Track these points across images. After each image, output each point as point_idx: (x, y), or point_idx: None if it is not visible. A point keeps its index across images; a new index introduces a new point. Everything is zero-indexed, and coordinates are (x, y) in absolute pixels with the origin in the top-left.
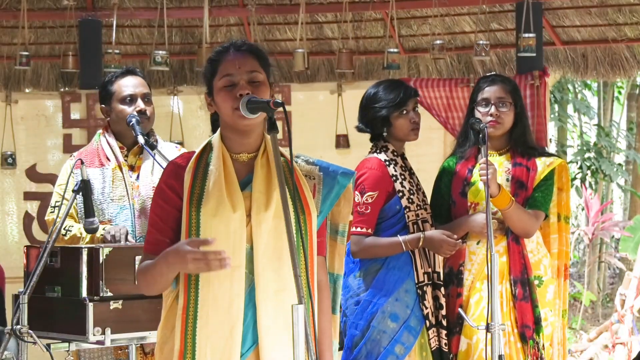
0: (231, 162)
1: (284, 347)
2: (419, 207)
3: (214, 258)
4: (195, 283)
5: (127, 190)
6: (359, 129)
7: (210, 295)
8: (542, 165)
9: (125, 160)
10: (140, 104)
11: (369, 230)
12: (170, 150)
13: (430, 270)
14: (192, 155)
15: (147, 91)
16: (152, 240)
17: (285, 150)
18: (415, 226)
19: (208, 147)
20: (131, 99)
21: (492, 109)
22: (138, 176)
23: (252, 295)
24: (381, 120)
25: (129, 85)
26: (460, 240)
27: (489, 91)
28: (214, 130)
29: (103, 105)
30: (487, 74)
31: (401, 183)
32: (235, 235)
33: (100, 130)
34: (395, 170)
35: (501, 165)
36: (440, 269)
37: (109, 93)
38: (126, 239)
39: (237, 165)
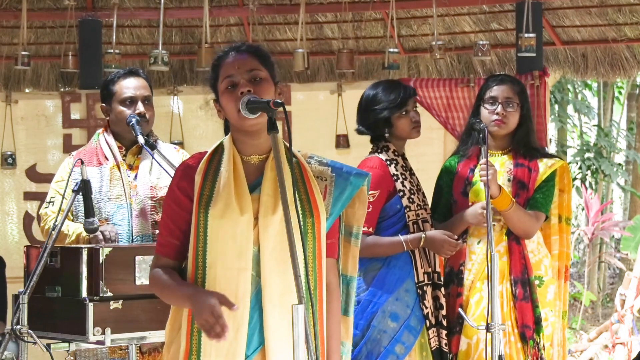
0: (241, 164)
1: (290, 350)
2: (419, 207)
3: (219, 327)
4: (202, 284)
5: (124, 190)
6: (359, 132)
7: None
8: (544, 167)
9: (124, 160)
10: (140, 107)
11: (370, 229)
12: (169, 151)
13: (430, 270)
14: (203, 156)
15: (148, 94)
16: (163, 242)
17: (296, 151)
18: (415, 226)
19: (220, 149)
20: (131, 101)
21: (499, 108)
22: (136, 176)
23: (259, 297)
24: (383, 122)
25: (130, 87)
26: (460, 240)
27: (497, 90)
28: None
29: (103, 104)
30: (497, 74)
31: (402, 182)
32: (242, 237)
33: (100, 130)
34: (396, 170)
35: (503, 165)
36: (440, 269)
37: (110, 93)
38: (112, 240)
39: (248, 168)
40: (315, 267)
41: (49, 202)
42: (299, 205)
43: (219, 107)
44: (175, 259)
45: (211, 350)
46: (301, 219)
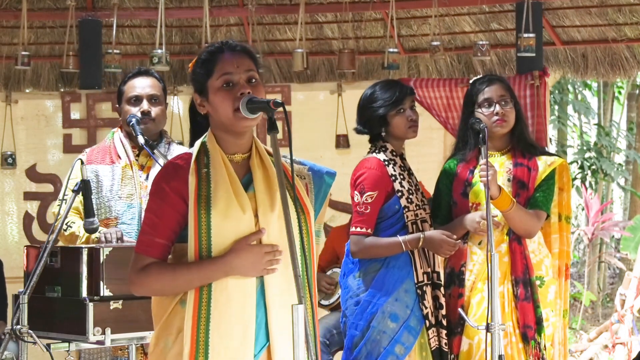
0: (229, 163)
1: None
2: (417, 207)
3: (279, 253)
4: (208, 285)
5: (135, 189)
6: (358, 131)
7: (224, 296)
8: (543, 165)
9: (136, 160)
10: (144, 105)
11: (369, 230)
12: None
13: (429, 270)
14: (190, 157)
15: (154, 92)
16: (148, 242)
17: (283, 151)
18: (414, 226)
19: (203, 149)
20: (136, 100)
21: (497, 108)
22: (147, 176)
23: (262, 295)
24: (379, 120)
25: (136, 86)
26: (460, 240)
27: (490, 91)
28: (194, 131)
29: (117, 105)
30: (480, 76)
31: (400, 183)
32: (244, 235)
33: (115, 129)
34: (395, 170)
35: (502, 165)
36: (439, 268)
37: (120, 93)
38: (119, 241)
39: (232, 166)
40: (310, 265)
41: (62, 200)
42: (290, 204)
43: (203, 102)
44: (160, 259)
45: (220, 350)
46: (298, 218)
